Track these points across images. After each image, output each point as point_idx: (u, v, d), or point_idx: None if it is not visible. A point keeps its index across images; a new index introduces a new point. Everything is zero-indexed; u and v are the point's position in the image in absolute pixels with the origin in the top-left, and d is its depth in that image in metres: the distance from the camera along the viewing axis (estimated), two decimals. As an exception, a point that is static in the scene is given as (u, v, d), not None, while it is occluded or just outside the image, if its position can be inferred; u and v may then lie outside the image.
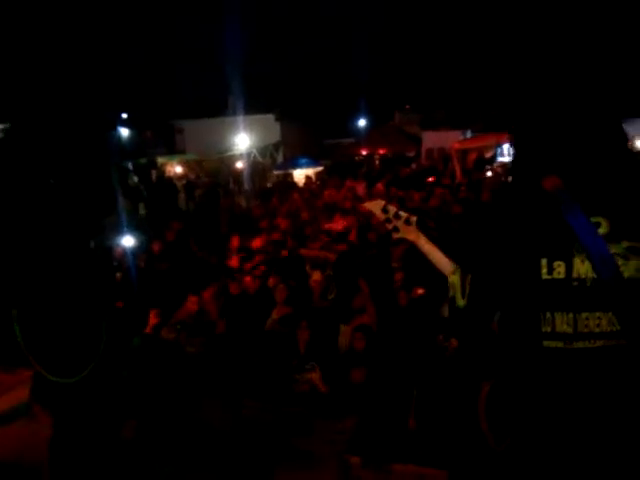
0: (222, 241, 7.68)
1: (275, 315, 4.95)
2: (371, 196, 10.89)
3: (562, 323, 1.42)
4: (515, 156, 1.60)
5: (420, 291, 4.63)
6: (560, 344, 1.42)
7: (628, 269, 1.37)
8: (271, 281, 5.37)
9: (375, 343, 4.14)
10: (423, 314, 4.31)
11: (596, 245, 1.38)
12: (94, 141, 2.01)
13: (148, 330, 4.50)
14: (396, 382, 3.65)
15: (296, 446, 3.36)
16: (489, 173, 14.26)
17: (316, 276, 5.22)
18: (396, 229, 1.83)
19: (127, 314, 4.68)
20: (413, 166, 14.89)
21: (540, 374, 1.45)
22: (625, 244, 1.39)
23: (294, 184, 14.51)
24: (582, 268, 1.41)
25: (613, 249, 1.38)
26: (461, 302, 1.66)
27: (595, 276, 1.39)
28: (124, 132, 23.96)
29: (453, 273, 1.73)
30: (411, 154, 17.56)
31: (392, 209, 1.86)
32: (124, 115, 25.46)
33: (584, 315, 1.40)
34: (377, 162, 17.44)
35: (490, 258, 1.55)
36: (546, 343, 1.43)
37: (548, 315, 1.43)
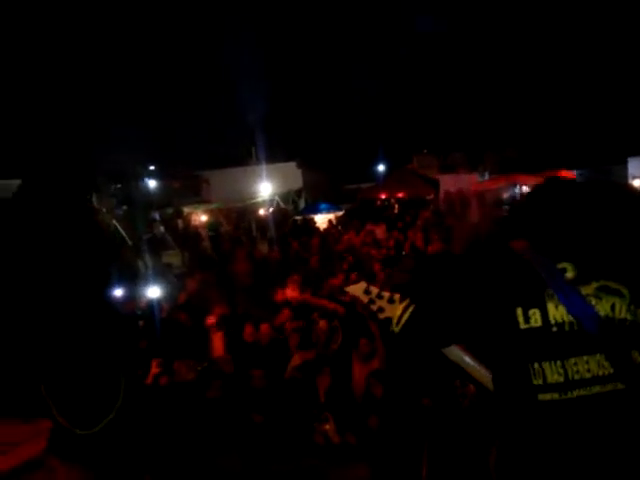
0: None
1: (294, 362, 4.95)
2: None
3: (552, 373, 1.36)
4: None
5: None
6: (555, 395, 1.35)
7: (603, 308, 1.37)
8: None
9: (389, 388, 4.13)
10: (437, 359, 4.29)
11: (564, 289, 1.38)
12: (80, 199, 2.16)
13: (149, 380, 4.50)
14: (409, 430, 3.63)
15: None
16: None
17: (322, 324, 5.24)
18: (381, 309, 1.78)
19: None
20: (432, 209, 14.96)
21: (541, 430, 1.38)
22: (595, 284, 1.40)
23: (315, 229, 14.70)
24: (557, 313, 1.39)
25: (584, 291, 1.39)
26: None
27: (572, 319, 1.38)
28: (152, 184, 25.00)
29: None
30: (430, 197, 17.70)
31: (374, 290, 1.82)
32: (152, 167, 26.67)
33: (572, 361, 1.36)
34: (396, 205, 17.59)
35: (459, 306, 1.56)
36: (541, 396, 1.36)
37: (537, 366, 1.38)
